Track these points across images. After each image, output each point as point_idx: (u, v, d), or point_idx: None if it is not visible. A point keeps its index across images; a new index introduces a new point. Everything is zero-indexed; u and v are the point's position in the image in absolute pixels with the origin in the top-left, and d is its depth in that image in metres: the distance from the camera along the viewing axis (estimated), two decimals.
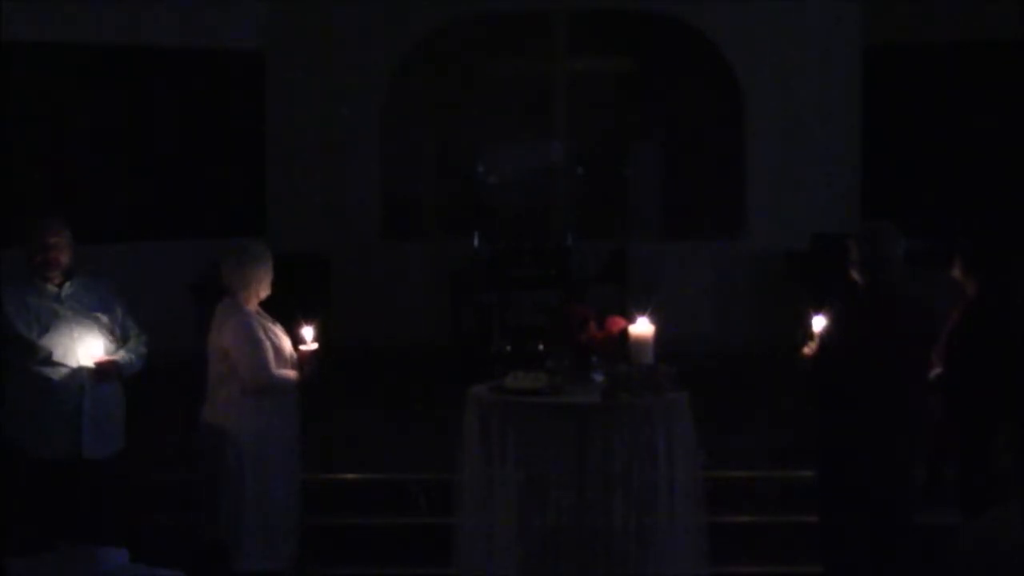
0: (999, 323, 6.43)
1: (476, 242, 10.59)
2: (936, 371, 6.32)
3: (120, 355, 6.24)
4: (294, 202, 11.83)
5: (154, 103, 11.31)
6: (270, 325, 6.27)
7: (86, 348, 6.13)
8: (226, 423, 6.15)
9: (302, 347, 6.23)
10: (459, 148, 12.37)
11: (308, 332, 6.23)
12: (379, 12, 11.80)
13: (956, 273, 6.56)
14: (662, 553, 5.83)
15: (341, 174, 11.89)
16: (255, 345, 6.13)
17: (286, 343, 6.27)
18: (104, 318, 6.24)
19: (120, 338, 6.29)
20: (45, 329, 6.12)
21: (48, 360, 6.11)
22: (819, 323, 5.91)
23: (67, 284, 6.22)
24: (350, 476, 7.71)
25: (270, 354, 6.16)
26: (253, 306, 6.25)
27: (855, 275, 5.92)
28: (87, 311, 6.21)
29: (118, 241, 10.69)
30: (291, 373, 6.25)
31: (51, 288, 6.20)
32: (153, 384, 6.76)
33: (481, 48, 12.14)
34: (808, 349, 5.93)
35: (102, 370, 6.14)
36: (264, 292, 6.28)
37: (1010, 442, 6.61)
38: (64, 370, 6.12)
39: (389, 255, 11.93)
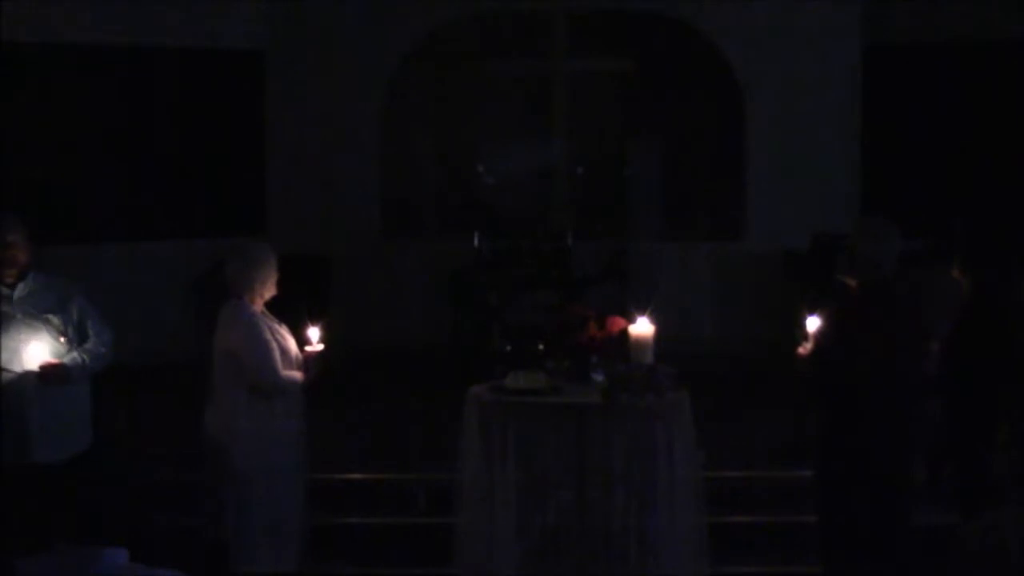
0: (998, 323, 6.43)
1: (476, 242, 10.58)
2: (936, 371, 6.31)
3: (71, 357, 6.10)
4: (294, 202, 11.83)
5: (154, 103, 11.32)
6: (276, 326, 6.24)
7: (32, 352, 6.01)
8: (232, 425, 6.11)
9: (308, 348, 6.22)
10: (459, 148, 12.36)
11: (314, 333, 6.22)
12: (379, 12, 11.80)
13: (956, 273, 6.56)
14: (662, 553, 5.84)
15: (341, 174, 11.89)
16: (262, 346, 6.10)
17: (292, 344, 6.24)
18: (55, 319, 6.11)
19: (74, 339, 6.15)
20: None
21: None
22: (814, 323, 5.90)
23: (21, 284, 6.09)
24: (350, 476, 7.71)
25: (277, 355, 6.13)
26: (259, 307, 6.22)
27: (844, 277, 5.90)
28: (38, 313, 6.08)
29: (118, 241, 10.68)
30: (297, 374, 6.23)
31: (4, 289, 6.07)
32: (153, 384, 6.76)
33: (481, 48, 12.14)
34: (803, 349, 5.93)
35: (48, 374, 6.01)
36: (269, 293, 6.24)
37: (1010, 442, 6.61)
38: (9, 375, 5.99)
39: (389, 255, 11.93)
